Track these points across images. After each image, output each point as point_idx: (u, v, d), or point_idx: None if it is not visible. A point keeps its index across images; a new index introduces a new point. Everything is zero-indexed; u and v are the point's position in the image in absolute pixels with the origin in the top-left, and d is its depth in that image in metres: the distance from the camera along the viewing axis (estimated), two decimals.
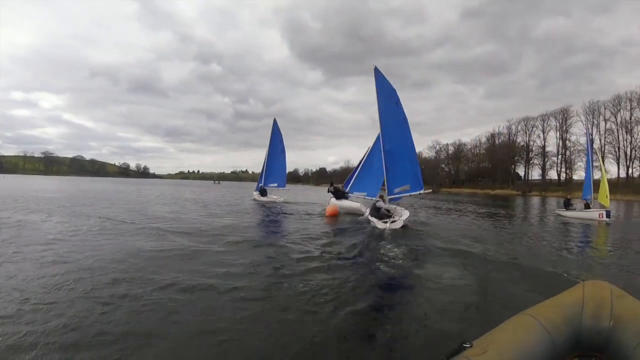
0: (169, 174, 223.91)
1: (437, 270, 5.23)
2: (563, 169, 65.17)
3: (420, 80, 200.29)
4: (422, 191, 11.27)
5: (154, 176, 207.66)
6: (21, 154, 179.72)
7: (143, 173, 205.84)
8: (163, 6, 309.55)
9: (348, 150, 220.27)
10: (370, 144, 13.24)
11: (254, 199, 21.44)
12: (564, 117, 64.22)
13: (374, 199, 13.20)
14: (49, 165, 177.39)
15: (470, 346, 1.51)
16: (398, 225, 9.35)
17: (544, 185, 62.23)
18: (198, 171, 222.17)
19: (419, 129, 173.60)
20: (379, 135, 12.85)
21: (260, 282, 4.39)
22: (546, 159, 67.32)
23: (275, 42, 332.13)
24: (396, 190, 11.34)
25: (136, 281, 4.24)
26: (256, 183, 23.32)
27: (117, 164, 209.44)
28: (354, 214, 12.99)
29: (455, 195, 48.93)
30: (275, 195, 21.26)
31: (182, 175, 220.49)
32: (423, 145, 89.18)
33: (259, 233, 8.83)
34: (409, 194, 11.38)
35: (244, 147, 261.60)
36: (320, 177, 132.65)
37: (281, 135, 22.09)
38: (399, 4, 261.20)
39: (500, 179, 68.90)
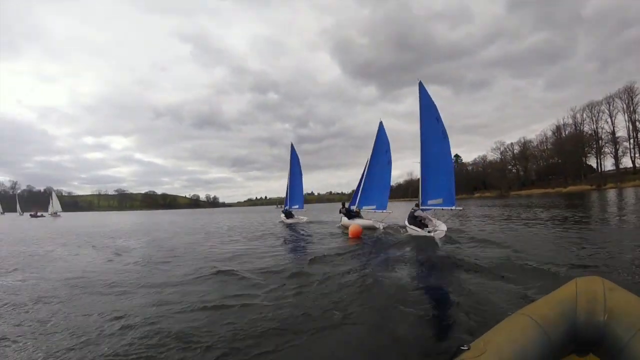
0: (238, 202, 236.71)
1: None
2: (637, 154, 58.11)
3: (478, 80, 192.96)
4: (453, 207, 11.55)
5: (224, 205, 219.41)
6: (96, 193, 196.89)
7: (213, 203, 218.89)
8: (214, 44, 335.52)
9: (412, 162, 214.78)
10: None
11: (282, 221, 22.11)
12: (629, 96, 57.82)
13: (384, 211, 14.62)
14: (123, 201, 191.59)
15: (468, 349, 1.55)
16: (442, 234, 9.69)
17: (619, 176, 56.40)
18: (265, 197, 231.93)
19: (482, 131, 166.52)
20: (377, 149, 15.49)
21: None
22: (618, 146, 60.38)
23: (326, 63, 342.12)
24: (429, 202, 11.90)
25: None
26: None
27: (187, 195, 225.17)
28: (370, 229, 13.36)
29: (526, 198, 45.18)
30: (301, 215, 22.21)
31: (251, 202, 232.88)
32: (486, 147, 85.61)
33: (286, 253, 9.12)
34: (440, 207, 11.84)
35: (307, 170, 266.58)
36: None
37: (298, 159, 23.12)
38: (442, 6, 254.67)
39: (571, 174, 63.03)
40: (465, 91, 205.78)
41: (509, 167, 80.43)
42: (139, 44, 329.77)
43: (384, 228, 13.25)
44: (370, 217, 15.18)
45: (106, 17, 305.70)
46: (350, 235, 11.49)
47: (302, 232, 14.94)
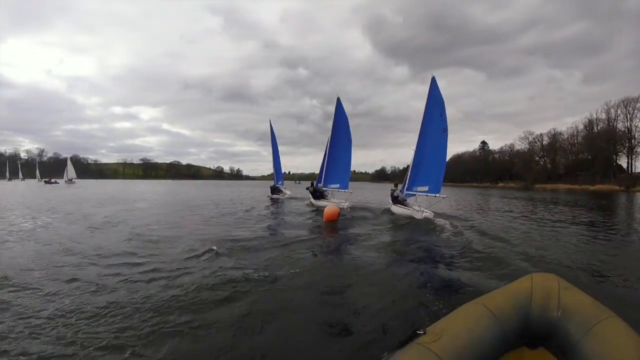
0: (262, 176, 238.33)
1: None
2: None
3: (511, 67, 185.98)
4: (437, 195, 12.35)
5: (247, 178, 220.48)
6: (121, 161, 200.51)
7: (236, 175, 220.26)
8: (245, 17, 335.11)
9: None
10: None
11: (269, 196, 24.05)
12: None
13: (346, 190, 15.84)
14: (147, 170, 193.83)
15: (424, 333, 1.58)
16: (431, 216, 11.16)
17: None
18: (289, 172, 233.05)
19: (513, 120, 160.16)
20: (337, 128, 16.61)
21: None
22: None
23: (358, 41, 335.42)
24: (416, 188, 13.02)
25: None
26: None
27: (212, 167, 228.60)
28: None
29: (551, 193, 43.28)
30: (289, 191, 23.65)
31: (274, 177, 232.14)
32: (515, 137, 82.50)
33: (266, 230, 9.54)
34: (425, 194, 12.76)
35: None
36: (404, 174, 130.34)
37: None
38: None
39: (600, 172, 59.86)
40: (498, 77, 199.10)
41: (536, 158, 77.43)
42: (168, 17, 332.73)
43: (349, 207, 14.43)
44: (335, 195, 16.62)
45: None
46: (324, 219, 10.24)
47: (277, 209, 16.14)
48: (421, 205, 12.36)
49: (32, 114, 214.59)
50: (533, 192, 44.29)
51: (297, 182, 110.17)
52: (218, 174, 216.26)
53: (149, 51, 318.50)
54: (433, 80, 12.88)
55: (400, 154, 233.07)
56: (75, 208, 15.84)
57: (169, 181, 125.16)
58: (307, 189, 18.28)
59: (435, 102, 12.79)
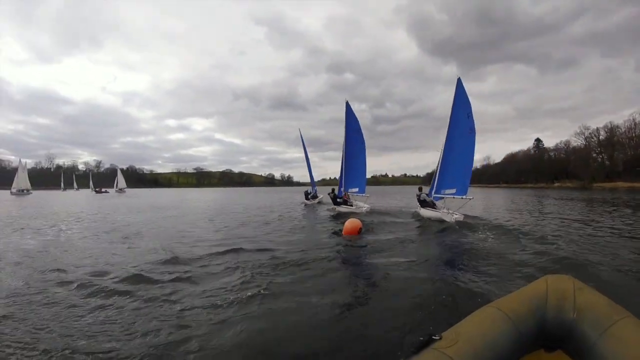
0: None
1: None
2: None
3: (564, 58, 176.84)
4: (464, 196, 12.18)
5: (298, 184, 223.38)
6: (175, 171, 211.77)
7: (287, 182, 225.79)
8: (289, 26, 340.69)
9: (493, 146, 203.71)
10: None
11: (303, 202, 24.57)
12: None
13: (364, 195, 16.18)
14: (201, 178, 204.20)
15: (440, 338, 1.57)
16: (461, 218, 11.21)
17: None
18: (337, 177, 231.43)
19: (568, 115, 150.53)
20: (351, 135, 16.78)
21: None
22: None
23: (404, 42, 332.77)
24: (444, 191, 12.89)
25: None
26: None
27: (263, 174, 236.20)
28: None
29: (610, 192, 39.60)
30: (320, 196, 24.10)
31: (324, 182, 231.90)
32: (570, 132, 77.20)
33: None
34: (452, 196, 12.58)
35: (384, 152, 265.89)
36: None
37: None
38: None
39: None
40: (551, 71, 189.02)
41: (594, 155, 71.97)
42: (216, 30, 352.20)
43: (366, 211, 14.83)
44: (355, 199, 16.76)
45: (184, 6, 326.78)
46: (343, 232, 9.10)
47: (303, 215, 16.05)
48: (450, 208, 12.21)
49: (89, 128, 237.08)
50: (591, 192, 41.16)
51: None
52: (269, 181, 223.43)
53: (199, 64, 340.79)
54: (459, 81, 12.81)
55: None
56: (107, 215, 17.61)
57: (219, 189, 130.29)
58: (329, 194, 18.67)
59: (461, 103, 12.71)
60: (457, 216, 11.30)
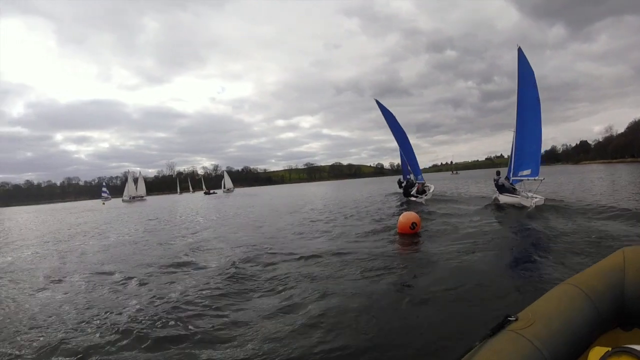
0: (424, 168, 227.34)
1: None
2: None
3: None
4: (537, 177, 11.17)
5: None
6: (287, 167, 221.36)
7: (397, 170, 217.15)
8: (381, 11, 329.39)
9: (615, 114, 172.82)
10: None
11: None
12: None
13: (423, 182, 15.30)
14: (311, 173, 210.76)
15: (516, 319, 1.50)
16: (541, 202, 10.42)
17: None
18: (451, 162, 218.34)
19: None
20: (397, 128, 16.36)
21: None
22: None
23: (502, 8, 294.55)
24: (521, 173, 11.72)
25: None
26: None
27: (372, 165, 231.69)
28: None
29: None
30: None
31: (436, 169, 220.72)
32: None
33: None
34: (527, 178, 11.48)
35: (497, 130, 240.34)
36: (579, 152, 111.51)
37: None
38: None
39: None
40: None
41: None
42: (308, 28, 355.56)
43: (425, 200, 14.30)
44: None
45: (272, 11, 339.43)
46: (399, 229, 7.98)
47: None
48: (532, 191, 11.17)
49: (205, 136, 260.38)
50: None
51: (455, 172, 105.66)
52: (379, 171, 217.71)
53: (298, 64, 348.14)
54: (520, 52, 11.70)
55: (572, 128, 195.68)
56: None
57: (327, 182, 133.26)
58: (400, 186, 18.44)
59: (526, 75, 11.67)
60: (537, 200, 10.32)
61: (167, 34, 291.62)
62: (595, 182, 21.57)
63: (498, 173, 13.09)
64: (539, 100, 11.27)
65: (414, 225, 7.77)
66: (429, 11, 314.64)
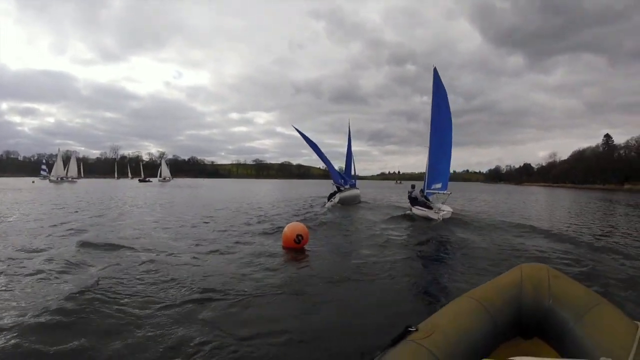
0: (372, 176, 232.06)
1: None
2: None
3: (636, 48, 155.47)
4: (445, 192, 11.95)
5: (358, 177, 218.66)
6: (235, 162, 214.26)
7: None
8: (348, 18, 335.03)
9: (562, 143, 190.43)
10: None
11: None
12: None
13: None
14: (260, 170, 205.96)
15: (416, 330, 1.56)
16: (448, 215, 10.78)
17: None
18: (398, 172, 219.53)
19: None
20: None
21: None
22: None
23: (466, 32, 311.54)
24: (433, 186, 12.40)
25: None
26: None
27: (321, 167, 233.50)
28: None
29: None
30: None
31: (383, 177, 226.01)
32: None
33: None
34: (438, 192, 12.20)
35: None
36: (522, 173, 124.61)
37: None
38: None
39: None
40: (622, 61, 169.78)
41: None
42: (275, 26, 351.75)
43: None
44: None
45: (243, 5, 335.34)
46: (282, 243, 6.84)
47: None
48: (444, 203, 11.72)
49: (155, 122, 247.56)
50: None
51: (398, 182, 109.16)
52: (327, 174, 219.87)
53: (261, 60, 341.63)
54: (435, 72, 12.45)
55: (519, 151, 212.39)
56: None
57: (274, 180, 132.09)
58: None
59: (439, 93, 12.39)
60: (444, 213, 10.72)
61: (130, 12, 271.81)
62: (527, 203, 23.23)
63: (413, 186, 13.47)
64: (450, 120, 11.92)
65: (299, 238, 6.56)
66: (395, 25, 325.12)
